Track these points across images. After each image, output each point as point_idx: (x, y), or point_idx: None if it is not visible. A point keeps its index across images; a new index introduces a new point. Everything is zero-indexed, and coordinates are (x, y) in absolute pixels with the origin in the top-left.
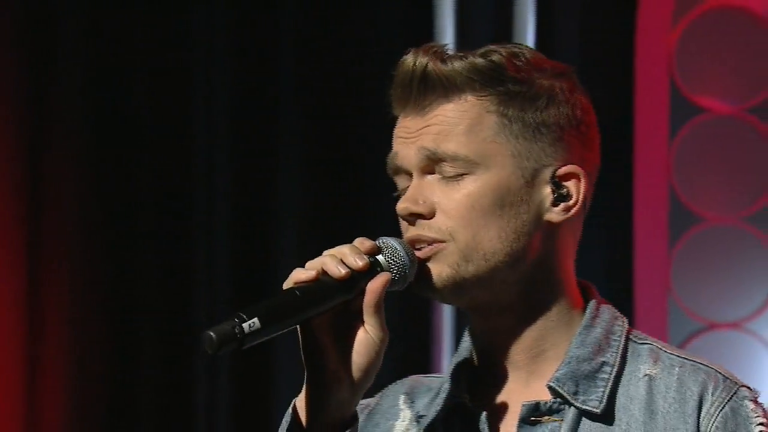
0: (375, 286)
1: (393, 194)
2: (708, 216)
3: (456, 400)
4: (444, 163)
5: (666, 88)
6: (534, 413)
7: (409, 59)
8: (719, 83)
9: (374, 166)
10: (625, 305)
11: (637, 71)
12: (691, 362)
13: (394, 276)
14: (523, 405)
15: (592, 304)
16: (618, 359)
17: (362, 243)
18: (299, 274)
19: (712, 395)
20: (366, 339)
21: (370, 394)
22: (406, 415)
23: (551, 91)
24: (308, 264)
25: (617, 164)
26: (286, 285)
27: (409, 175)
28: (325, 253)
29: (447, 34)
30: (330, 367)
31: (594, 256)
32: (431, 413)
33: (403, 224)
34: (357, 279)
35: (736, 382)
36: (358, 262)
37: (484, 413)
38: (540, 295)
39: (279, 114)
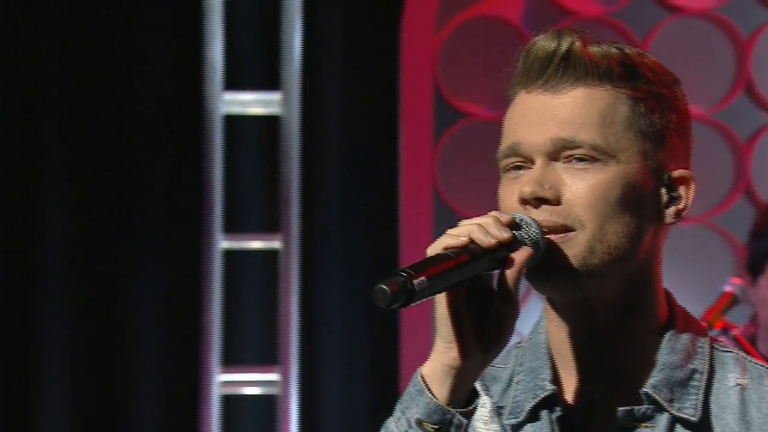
0: (520, 259)
1: (504, 171)
2: (471, 215)
3: (544, 394)
4: (577, 150)
5: (430, 93)
6: (628, 419)
7: (551, 36)
8: (480, 89)
9: (142, 167)
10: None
11: (402, 76)
12: None
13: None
14: (618, 410)
15: (678, 310)
16: (707, 367)
17: (501, 216)
18: (449, 240)
19: None
20: (501, 313)
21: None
22: (484, 401)
23: (673, 97)
24: (454, 231)
25: (382, 168)
26: (434, 250)
27: (529, 159)
28: (465, 223)
29: (215, 39)
30: (466, 338)
31: (368, 254)
32: (508, 403)
33: (522, 209)
34: (499, 251)
35: None
36: (504, 234)
37: (575, 412)
38: (638, 297)
39: (41, 116)
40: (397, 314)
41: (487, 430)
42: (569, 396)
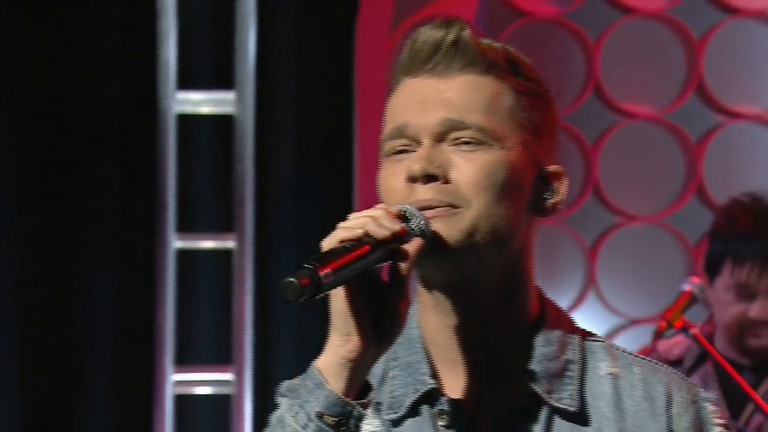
0: (412, 250)
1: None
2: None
3: (425, 389)
4: (465, 132)
5: (385, 94)
6: (509, 412)
7: (438, 24)
8: None
9: (94, 166)
10: None
11: (357, 77)
12: (647, 362)
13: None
14: (501, 405)
15: (549, 303)
16: (579, 357)
17: (390, 209)
18: (345, 233)
19: (679, 395)
20: (393, 304)
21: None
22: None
23: (549, 98)
24: (348, 224)
25: (338, 167)
26: (330, 243)
27: (415, 141)
28: (357, 216)
29: (168, 38)
30: (361, 331)
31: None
32: (385, 398)
33: (406, 188)
34: (392, 242)
35: (694, 384)
36: (396, 226)
37: (455, 406)
38: (513, 287)
39: None
40: None
41: (369, 425)
42: (449, 389)
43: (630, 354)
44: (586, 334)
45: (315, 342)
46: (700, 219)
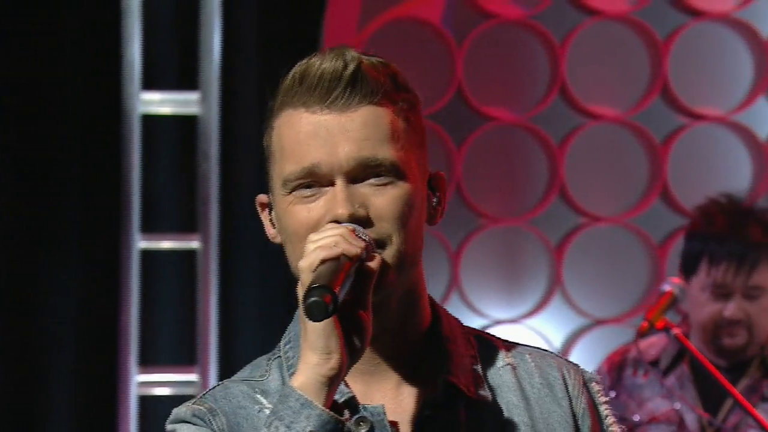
0: (376, 266)
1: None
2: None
3: (343, 398)
4: (378, 168)
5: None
6: (428, 407)
7: (333, 56)
8: None
9: (59, 166)
10: None
11: None
12: (533, 348)
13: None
14: (421, 401)
15: (438, 306)
16: (477, 352)
17: (347, 227)
18: (324, 252)
19: (571, 378)
20: (360, 321)
21: None
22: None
23: (419, 101)
24: (322, 242)
25: None
26: (311, 263)
27: (326, 180)
28: (325, 235)
29: (133, 38)
30: (338, 349)
31: (281, 260)
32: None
33: (325, 225)
34: (359, 259)
35: (578, 365)
36: (361, 243)
37: (374, 412)
38: (415, 296)
39: None
40: None
41: None
42: (362, 399)
43: (515, 342)
44: (473, 330)
45: (279, 342)
46: (664, 220)
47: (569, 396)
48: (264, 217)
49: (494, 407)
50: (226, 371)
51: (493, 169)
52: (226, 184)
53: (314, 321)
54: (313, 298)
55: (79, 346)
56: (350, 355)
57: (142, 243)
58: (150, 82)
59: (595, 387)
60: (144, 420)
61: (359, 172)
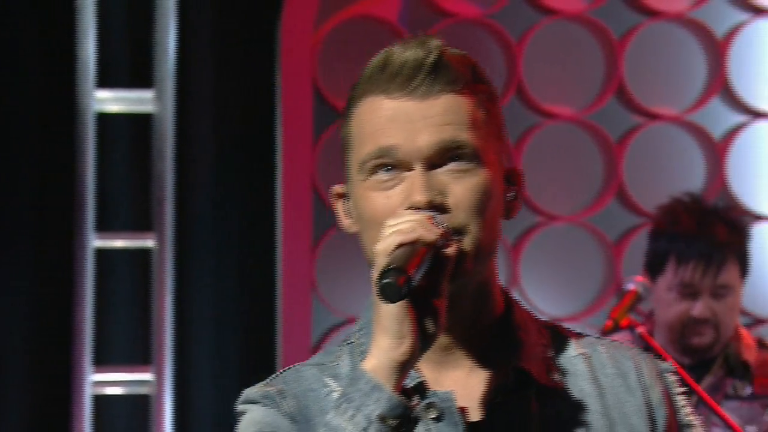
0: (452, 254)
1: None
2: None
3: (412, 383)
4: (459, 151)
5: (310, 93)
6: (499, 393)
7: (416, 45)
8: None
9: (12, 164)
10: (270, 300)
11: (281, 75)
12: (606, 340)
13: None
14: (491, 386)
15: (509, 294)
16: (550, 341)
17: (426, 214)
18: (401, 237)
19: (646, 368)
20: (434, 306)
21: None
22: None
23: (497, 94)
24: (400, 227)
25: (261, 165)
26: (387, 247)
27: (404, 165)
28: (402, 220)
29: (87, 36)
30: (411, 334)
31: (242, 254)
32: None
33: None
34: (436, 246)
35: (652, 356)
36: (439, 230)
37: (443, 398)
38: (489, 287)
39: None
40: (272, 313)
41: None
42: (433, 383)
43: (588, 334)
44: (545, 322)
45: (233, 343)
46: (619, 219)
47: (643, 385)
48: (338, 207)
49: (566, 395)
50: (182, 370)
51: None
52: (182, 183)
53: (387, 302)
54: (386, 280)
55: (33, 345)
56: (422, 341)
57: (96, 242)
58: (104, 80)
59: (670, 377)
60: (98, 419)
61: (438, 157)
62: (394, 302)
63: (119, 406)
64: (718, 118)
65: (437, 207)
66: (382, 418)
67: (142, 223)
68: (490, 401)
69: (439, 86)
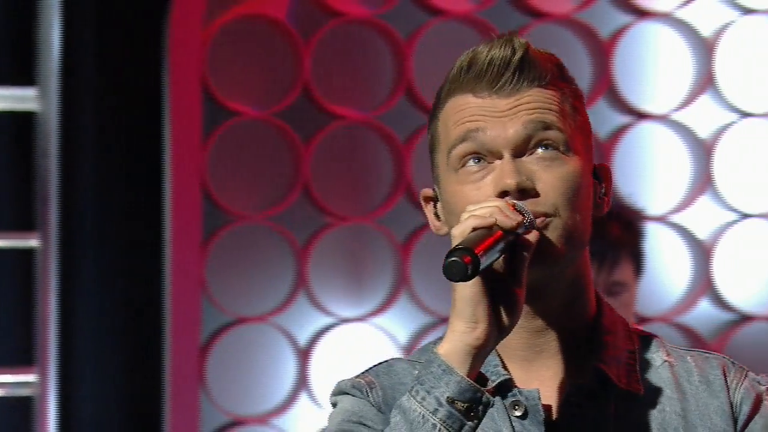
0: (532, 239)
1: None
2: (239, 215)
3: (499, 380)
4: (548, 132)
5: (198, 91)
6: (578, 394)
7: (501, 43)
8: (249, 88)
9: None
10: (158, 300)
11: (170, 73)
12: (697, 352)
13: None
14: (571, 385)
15: (601, 298)
16: (638, 347)
17: (507, 201)
18: (477, 221)
19: (732, 371)
20: (512, 294)
21: None
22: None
23: (583, 96)
24: (478, 212)
25: (149, 164)
26: (463, 230)
27: (491, 154)
28: (482, 206)
29: None
30: (485, 319)
31: (129, 254)
32: None
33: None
34: (513, 233)
35: (743, 366)
36: (518, 217)
37: (528, 396)
38: (580, 285)
39: None
40: (160, 313)
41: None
42: (519, 383)
43: (679, 347)
44: (640, 331)
45: (120, 343)
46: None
47: (727, 387)
48: (428, 210)
49: (646, 400)
50: (66, 372)
51: (340, 166)
52: (66, 182)
53: (452, 280)
54: (452, 258)
55: None
56: (498, 328)
57: None
58: None
59: (757, 382)
60: None
61: (527, 144)
62: (458, 281)
63: (1, 408)
64: (604, 118)
65: (526, 191)
66: (452, 401)
67: (26, 223)
68: (568, 401)
69: (526, 82)
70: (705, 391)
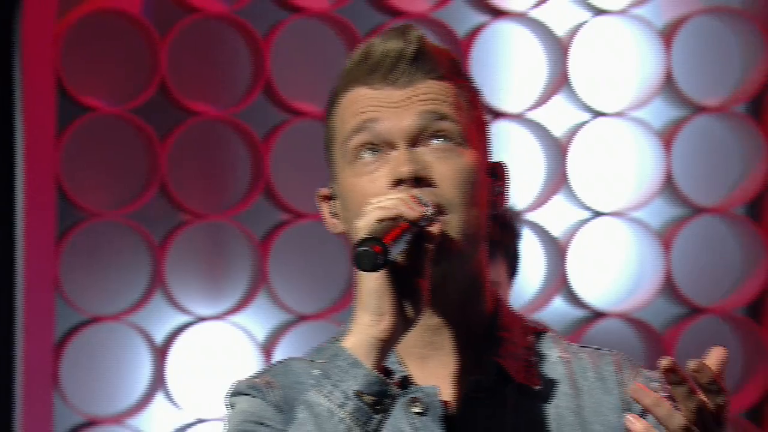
0: (435, 231)
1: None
2: (94, 212)
3: (399, 377)
4: (443, 122)
5: (52, 87)
6: (477, 389)
7: (395, 35)
8: (104, 83)
9: None
10: (10, 299)
11: (22, 69)
12: (592, 348)
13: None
14: (470, 381)
15: (498, 295)
16: (533, 344)
17: (409, 193)
18: (382, 212)
19: (626, 369)
20: (416, 286)
21: None
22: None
23: (479, 92)
24: (382, 204)
25: (3, 161)
26: (368, 222)
27: (387, 144)
28: (386, 198)
29: None
30: (391, 312)
31: None
32: None
33: (388, 191)
34: (418, 224)
35: (636, 363)
36: (421, 208)
37: (426, 393)
38: (478, 282)
39: None
40: (12, 312)
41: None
42: (417, 380)
43: (573, 344)
44: (536, 328)
45: None
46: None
47: (621, 383)
48: (324, 209)
49: (542, 395)
50: None
51: (197, 164)
52: None
53: (363, 270)
54: (362, 248)
55: None
56: (403, 321)
57: None
58: None
59: (649, 379)
60: None
61: (422, 135)
62: (370, 271)
63: None
64: None
65: (422, 180)
66: (360, 394)
67: None
68: (468, 397)
69: (421, 74)
70: (599, 388)
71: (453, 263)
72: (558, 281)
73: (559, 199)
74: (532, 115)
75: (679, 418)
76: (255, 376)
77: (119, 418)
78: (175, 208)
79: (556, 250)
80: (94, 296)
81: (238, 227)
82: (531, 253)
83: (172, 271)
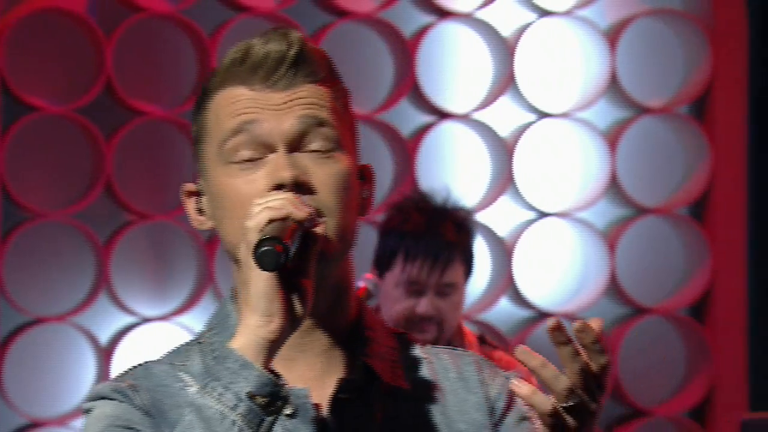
0: (320, 234)
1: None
2: (39, 212)
3: (267, 378)
4: (323, 128)
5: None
6: (346, 390)
7: (276, 37)
8: (48, 83)
9: None
10: None
11: None
12: (450, 349)
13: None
14: (338, 381)
15: (361, 300)
16: (395, 344)
17: (293, 194)
18: (271, 213)
19: (486, 369)
20: (302, 287)
21: None
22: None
23: (350, 95)
24: (270, 204)
25: None
26: (258, 222)
27: (266, 147)
28: (266, 199)
29: None
30: (280, 313)
31: None
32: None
33: (258, 197)
34: (304, 224)
35: (494, 364)
36: (307, 209)
37: (297, 395)
38: (343, 286)
39: None
40: None
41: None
42: (289, 379)
43: (431, 346)
44: (395, 330)
45: None
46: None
47: (483, 383)
48: (189, 205)
49: (409, 395)
50: None
51: (142, 164)
52: None
53: (266, 270)
54: (265, 248)
55: None
56: (291, 321)
57: None
58: None
59: (507, 378)
60: None
61: (301, 139)
62: (273, 271)
63: None
64: (407, 117)
65: (302, 185)
66: (252, 396)
67: None
68: (337, 397)
69: (301, 77)
70: (462, 388)
71: (329, 265)
72: (504, 282)
73: (505, 200)
74: (478, 115)
75: (564, 380)
76: (116, 380)
77: (63, 420)
78: (120, 208)
79: (502, 250)
80: (38, 297)
81: (183, 228)
82: (477, 254)
83: (117, 272)
